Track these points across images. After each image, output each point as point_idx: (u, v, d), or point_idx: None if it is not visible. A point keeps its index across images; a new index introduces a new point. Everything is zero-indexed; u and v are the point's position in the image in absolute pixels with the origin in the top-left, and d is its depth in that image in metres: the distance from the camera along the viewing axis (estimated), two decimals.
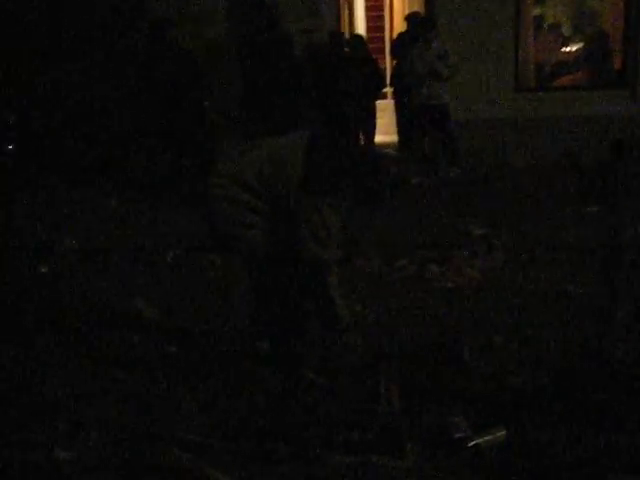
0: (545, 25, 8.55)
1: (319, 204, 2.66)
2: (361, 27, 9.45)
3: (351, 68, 7.39)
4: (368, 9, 9.60)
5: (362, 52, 7.50)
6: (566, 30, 8.74)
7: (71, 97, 7.05)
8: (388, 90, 8.59)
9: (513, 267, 4.54)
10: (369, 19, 9.56)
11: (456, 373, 2.97)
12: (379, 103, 8.42)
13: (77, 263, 5.25)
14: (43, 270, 5.08)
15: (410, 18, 7.18)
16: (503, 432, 2.44)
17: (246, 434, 2.66)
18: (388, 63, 9.03)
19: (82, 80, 6.86)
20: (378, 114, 8.39)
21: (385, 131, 8.74)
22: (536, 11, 8.40)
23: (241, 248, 2.83)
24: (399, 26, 8.87)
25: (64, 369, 3.33)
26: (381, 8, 9.61)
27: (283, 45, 6.64)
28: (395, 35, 8.43)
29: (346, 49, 7.49)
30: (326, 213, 2.66)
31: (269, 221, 2.75)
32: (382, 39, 9.47)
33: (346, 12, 8.75)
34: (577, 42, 8.61)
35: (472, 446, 2.38)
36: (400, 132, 7.76)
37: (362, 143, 7.68)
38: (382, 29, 9.57)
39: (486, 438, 2.41)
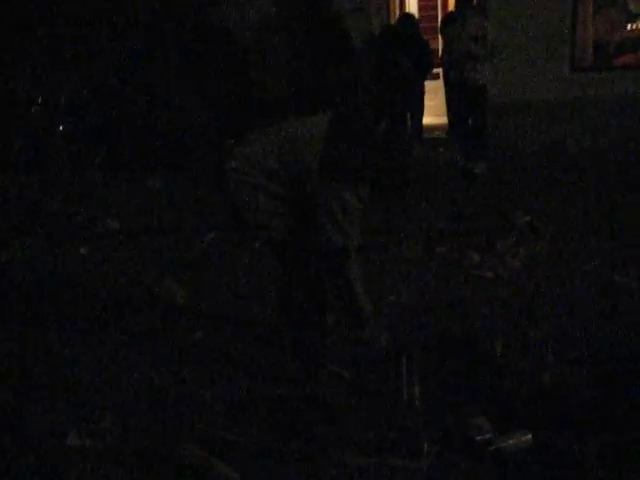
0: (609, 0, 8.12)
1: (339, 190, 2.52)
2: (413, 5, 9.18)
3: (399, 48, 7.17)
4: None
5: (411, 30, 7.27)
6: (634, 6, 8.29)
7: (116, 78, 7.08)
8: (440, 71, 8.34)
9: (558, 256, 4.31)
10: None
11: (486, 369, 2.81)
12: (429, 84, 8.19)
13: (116, 244, 5.28)
14: (82, 251, 5.13)
15: None
16: (529, 436, 2.28)
17: (262, 428, 2.58)
18: (440, 43, 8.76)
19: (127, 62, 6.87)
20: (429, 95, 8.17)
21: (435, 113, 8.51)
22: None
23: (263, 235, 2.73)
24: (452, 4, 8.58)
25: (86, 352, 3.32)
26: None
27: (334, 25, 6.46)
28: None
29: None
30: (347, 199, 2.52)
31: (290, 207, 2.63)
32: (435, 18, 9.18)
33: None
34: None
35: (494, 450, 2.23)
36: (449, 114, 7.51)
37: (409, 124, 7.46)
38: (435, 7, 9.27)
39: (510, 442, 2.25)
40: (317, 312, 2.74)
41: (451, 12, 7.46)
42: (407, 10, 8.67)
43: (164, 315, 3.77)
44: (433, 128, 8.35)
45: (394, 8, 8.30)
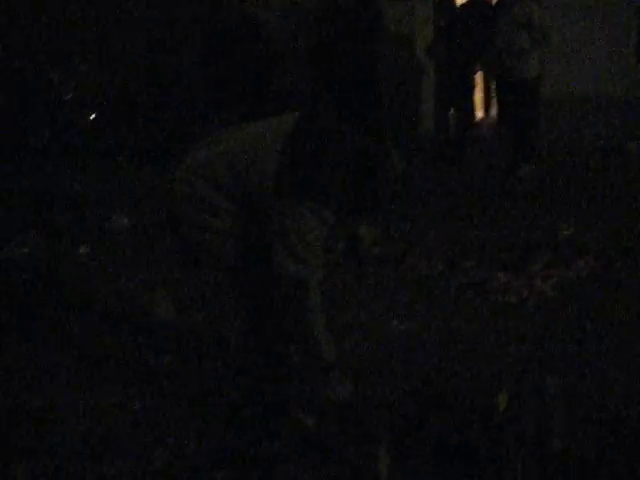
0: None
1: (297, 209, 2.05)
2: None
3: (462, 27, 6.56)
4: None
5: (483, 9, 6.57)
6: None
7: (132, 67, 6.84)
8: None
9: (599, 283, 3.69)
10: None
11: (480, 430, 2.29)
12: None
13: (120, 244, 4.95)
14: (82, 251, 4.82)
15: None
16: None
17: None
18: None
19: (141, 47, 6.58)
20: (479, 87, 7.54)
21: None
22: None
23: (208, 259, 2.28)
24: None
25: (41, 366, 2.97)
26: None
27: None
28: None
29: None
30: (306, 221, 2.04)
31: (242, 228, 2.18)
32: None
33: None
34: None
35: None
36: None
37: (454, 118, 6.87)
38: None
39: None
40: (276, 350, 2.28)
41: None
42: None
43: (142, 331, 3.40)
44: (484, 123, 7.72)
45: None
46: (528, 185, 5.73)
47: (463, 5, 6.88)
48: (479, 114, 7.54)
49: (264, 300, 2.22)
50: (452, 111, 6.93)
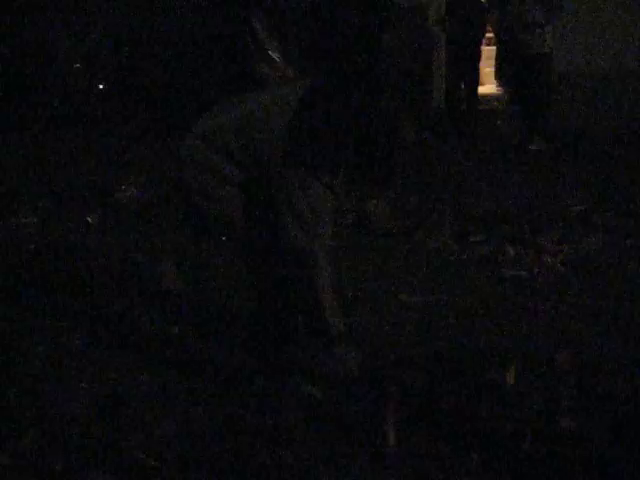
0: None
1: (305, 179, 2.02)
2: None
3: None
4: None
5: None
6: None
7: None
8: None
9: (614, 257, 3.66)
10: None
11: (489, 405, 2.28)
12: (488, 49, 7.45)
13: (129, 214, 4.93)
14: (90, 220, 4.81)
15: None
16: None
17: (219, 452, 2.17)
18: None
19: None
20: (488, 62, 7.43)
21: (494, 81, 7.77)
22: None
23: (215, 227, 2.27)
24: None
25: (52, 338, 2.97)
26: None
27: None
28: None
29: None
30: (315, 190, 2.02)
31: (249, 197, 2.15)
32: None
33: None
34: None
35: None
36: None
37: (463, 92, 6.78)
38: None
39: None
40: (282, 322, 2.27)
41: None
42: None
43: (150, 302, 3.39)
44: (491, 98, 7.62)
45: None
46: (540, 159, 5.67)
47: None
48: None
49: (272, 270, 2.20)
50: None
